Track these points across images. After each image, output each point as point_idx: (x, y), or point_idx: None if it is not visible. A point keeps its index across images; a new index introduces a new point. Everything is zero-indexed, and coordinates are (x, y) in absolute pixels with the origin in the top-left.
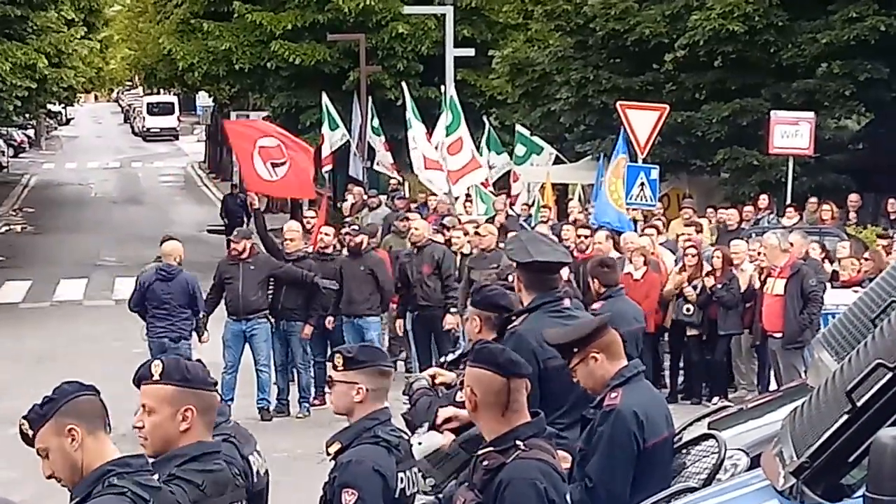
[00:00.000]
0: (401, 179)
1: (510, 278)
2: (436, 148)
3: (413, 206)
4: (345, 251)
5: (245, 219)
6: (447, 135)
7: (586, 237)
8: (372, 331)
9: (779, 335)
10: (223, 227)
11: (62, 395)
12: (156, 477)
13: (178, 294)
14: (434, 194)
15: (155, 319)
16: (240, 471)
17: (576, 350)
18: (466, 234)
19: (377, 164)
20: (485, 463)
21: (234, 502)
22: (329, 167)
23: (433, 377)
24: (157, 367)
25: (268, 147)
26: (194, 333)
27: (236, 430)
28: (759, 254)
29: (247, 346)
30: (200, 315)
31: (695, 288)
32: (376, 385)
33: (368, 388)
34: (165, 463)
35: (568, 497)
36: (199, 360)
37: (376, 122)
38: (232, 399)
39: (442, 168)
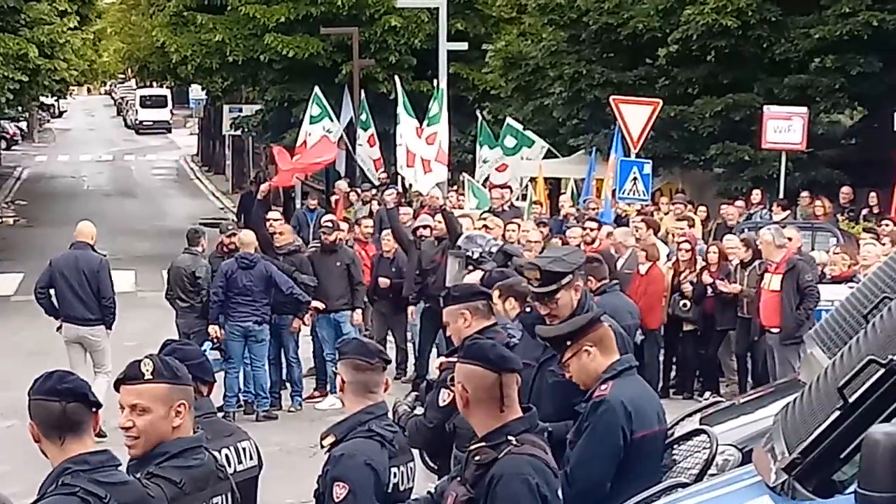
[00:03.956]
0: (384, 176)
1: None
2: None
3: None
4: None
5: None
6: (428, 124)
7: (592, 230)
8: (348, 324)
9: (776, 330)
10: (215, 221)
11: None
12: (122, 470)
13: (258, 280)
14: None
15: (237, 305)
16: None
17: (569, 343)
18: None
19: (359, 158)
20: (476, 458)
21: (216, 496)
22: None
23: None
24: (147, 367)
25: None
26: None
27: (211, 426)
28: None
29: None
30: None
31: (691, 283)
32: (351, 378)
33: (344, 380)
34: (146, 462)
35: (559, 492)
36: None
37: (364, 116)
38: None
39: (421, 161)
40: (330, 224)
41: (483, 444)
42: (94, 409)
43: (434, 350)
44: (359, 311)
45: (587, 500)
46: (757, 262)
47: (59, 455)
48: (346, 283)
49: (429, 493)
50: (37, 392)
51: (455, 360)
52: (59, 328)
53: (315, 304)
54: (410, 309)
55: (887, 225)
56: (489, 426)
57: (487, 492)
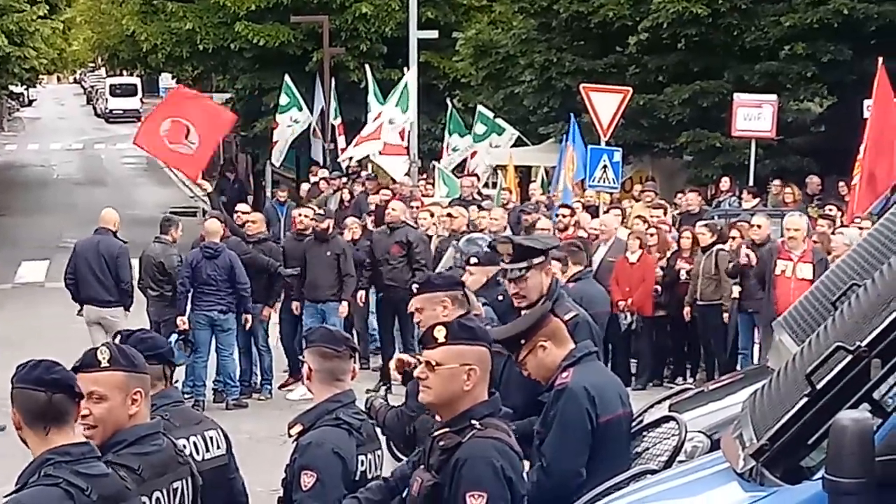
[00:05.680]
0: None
1: None
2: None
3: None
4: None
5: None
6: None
7: (565, 216)
8: (334, 316)
9: None
10: (186, 210)
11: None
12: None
13: (222, 270)
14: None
15: (202, 294)
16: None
17: (523, 341)
18: (432, 215)
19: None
20: (441, 443)
21: (176, 481)
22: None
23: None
24: (104, 354)
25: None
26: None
27: (179, 414)
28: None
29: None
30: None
31: (661, 269)
32: (318, 366)
33: (311, 368)
34: (103, 451)
35: (525, 476)
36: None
37: (334, 104)
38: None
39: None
40: (322, 213)
41: (447, 429)
42: (77, 400)
43: (396, 337)
44: (345, 303)
45: (566, 489)
46: (715, 248)
47: (41, 445)
48: (336, 273)
49: (384, 478)
50: (22, 381)
51: (447, 346)
52: (79, 312)
53: (247, 316)
54: (360, 293)
55: (831, 210)
56: (456, 410)
57: (453, 476)
